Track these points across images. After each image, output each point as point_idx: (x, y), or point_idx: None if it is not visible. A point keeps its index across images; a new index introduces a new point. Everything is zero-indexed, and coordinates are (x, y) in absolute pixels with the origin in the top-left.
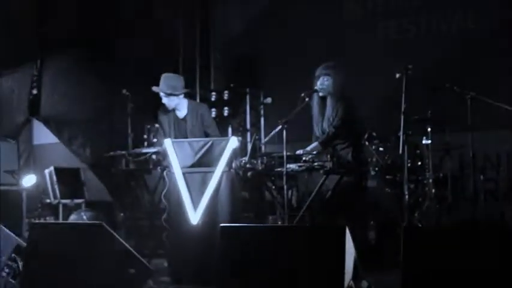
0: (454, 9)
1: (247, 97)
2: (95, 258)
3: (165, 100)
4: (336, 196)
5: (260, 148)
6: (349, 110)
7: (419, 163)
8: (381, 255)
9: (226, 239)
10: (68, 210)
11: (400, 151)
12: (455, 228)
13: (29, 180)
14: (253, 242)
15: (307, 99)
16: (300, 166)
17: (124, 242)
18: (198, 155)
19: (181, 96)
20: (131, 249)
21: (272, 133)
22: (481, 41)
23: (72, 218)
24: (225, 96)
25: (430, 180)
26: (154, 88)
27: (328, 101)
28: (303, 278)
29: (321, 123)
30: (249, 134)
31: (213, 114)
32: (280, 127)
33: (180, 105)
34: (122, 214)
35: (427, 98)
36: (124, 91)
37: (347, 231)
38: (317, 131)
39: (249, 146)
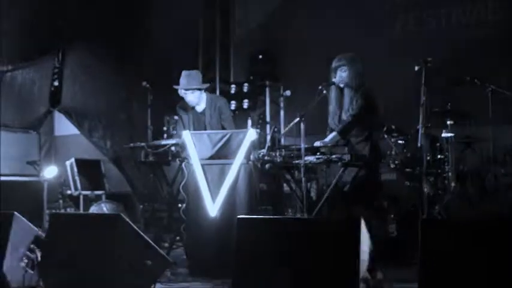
0: (473, 1)
1: (267, 90)
2: (113, 249)
3: (189, 97)
4: (355, 189)
5: (279, 140)
6: (368, 99)
7: (439, 156)
8: (400, 248)
9: (242, 230)
10: (89, 201)
11: (419, 144)
12: (474, 221)
13: (50, 172)
14: (269, 233)
15: (324, 91)
16: (317, 158)
17: (142, 233)
18: (217, 147)
19: (203, 90)
20: (149, 240)
21: (290, 125)
22: (501, 33)
23: (93, 209)
24: (245, 89)
25: (450, 174)
26: (176, 86)
27: (346, 92)
28: (317, 269)
29: (338, 115)
30: (268, 127)
31: (233, 106)
32: (298, 119)
33: (200, 100)
34: (141, 206)
35: (447, 91)
36: (144, 83)
37: (362, 223)
38: (333, 123)
39: (268, 139)
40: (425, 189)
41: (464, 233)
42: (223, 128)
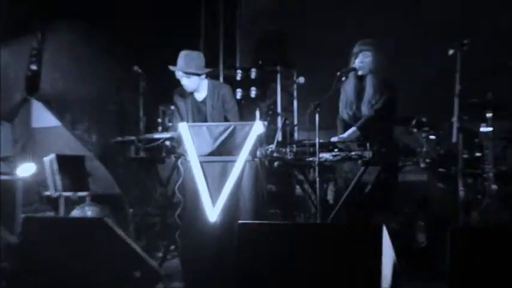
0: None
1: (278, 76)
2: (95, 258)
3: (185, 81)
4: (377, 191)
5: (291, 135)
6: (395, 94)
7: (478, 154)
8: (430, 260)
9: (244, 238)
10: (71, 204)
11: (454, 140)
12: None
13: (26, 169)
14: (276, 241)
15: (344, 78)
16: (334, 156)
17: (130, 241)
18: (218, 142)
19: (203, 76)
20: (138, 249)
21: (302, 117)
22: None
23: (75, 214)
24: (253, 75)
25: (491, 174)
26: (172, 67)
27: (368, 81)
28: (331, 284)
29: (356, 106)
30: (279, 119)
31: (239, 95)
32: (311, 110)
33: (200, 87)
34: (131, 209)
35: (487, 78)
36: (135, 68)
37: (385, 230)
38: (346, 115)
39: (278, 132)
40: (461, 192)
41: (501, 243)
42: (226, 120)
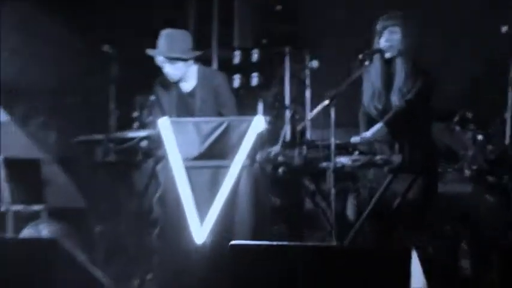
0: None
1: (287, 59)
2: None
3: (168, 69)
4: (409, 205)
5: (301, 133)
6: (431, 83)
7: None
8: None
9: (239, 262)
10: (23, 221)
11: (508, 141)
12: None
13: None
14: (278, 267)
15: (367, 62)
16: (354, 161)
17: (90, 267)
18: (208, 142)
19: (191, 61)
20: (103, 278)
21: (315, 111)
22: None
23: (26, 233)
24: (254, 58)
25: None
26: (151, 51)
27: (398, 65)
28: None
29: (384, 97)
30: (287, 113)
31: (237, 82)
32: (326, 103)
33: (187, 75)
34: (98, 227)
35: None
36: (106, 47)
37: (414, 255)
38: (373, 108)
39: (285, 130)
40: None
41: None
42: (220, 116)
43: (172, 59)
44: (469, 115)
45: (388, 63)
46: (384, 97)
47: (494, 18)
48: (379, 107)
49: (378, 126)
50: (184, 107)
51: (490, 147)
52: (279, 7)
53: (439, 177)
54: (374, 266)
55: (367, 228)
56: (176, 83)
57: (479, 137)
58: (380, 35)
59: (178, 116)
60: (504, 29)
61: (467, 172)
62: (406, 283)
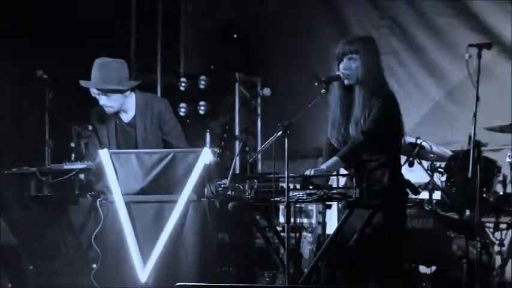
0: None
1: (236, 86)
2: None
3: (104, 101)
4: (367, 243)
5: (252, 166)
6: (389, 110)
7: (503, 192)
8: None
9: None
10: None
11: (470, 172)
12: None
13: None
14: None
15: (323, 90)
16: (309, 194)
17: None
18: (152, 175)
19: (128, 92)
20: None
21: (267, 143)
22: None
23: None
24: (202, 85)
25: None
26: (84, 83)
27: (357, 94)
28: None
29: (343, 127)
30: (237, 144)
31: (183, 111)
32: (280, 133)
33: (126, 105)
34: (31, 267)
35: None
36: (40, 73)
37: None
38: (335, 140)
39: (235, 162)
40: (479, 245)
41: None
42: (166, 147)
43: (107, 91)
44: (429, 145)
45: (349, 91)
46: (343, 128)
47: (456, 44)
48: (340, 138)
49: (333, 159)
50: (125, 138)
51: (451, 179)
52: (227, 36)
53: (403, 212)
54: None
55: (326, 267)
56: (116, 113)
57: (440, 169)
58: (339, 60)
59: (119, 148)
60: (467, 56)
61: (427, 207)
62: None
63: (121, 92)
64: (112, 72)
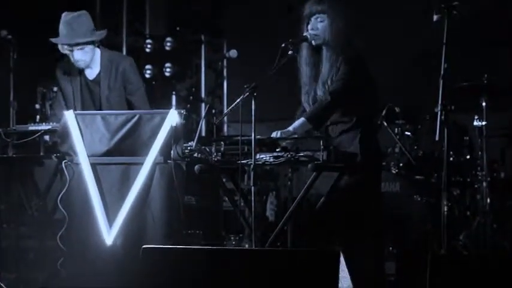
0: None
1: (203, 48)
2: None
3: (77, 56)
4: (333, 206)
5: (218, 128)
6: (357, 69)
7: (468, 156)
8: None
9: (150, 267)
10: None
11: (437, 137)
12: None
13: None
14: (192, 272)
15: (290, 51)
16: (276, 157)
17: None
18: (118, 137)
19: (94, 45)
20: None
21: (235, 104)
22: None
23: None
24: (167, 46)
25: (484, 184)
26: (55, 40)
27: (325, 55)
28: None
29: (313, 90)
30: (203, 106)
31: (148, 73)
32: (246, 95)
33: (92, 60)
34: None
35: (482, 55)
36: (3, 33)
37: (341, 259)
38: (306, 103)
39: (201, 124)
40: (445, 208)
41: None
42: (129, 107)
43: (81, 44)
44: (397, 109)
45: (316, 53)
46: (312, 89)
47: (429, 6)
48: (310, 101)
49: (300, 121)
50: (90, 95)
51: (418, 144)
52: None
53: (375, 176)
54: (299, 270)
55: (290, 230)
56: (81, 70)
57: (408, 133)
58: (307, 21)
59: (84, 105)
60: (435, 17)
61: (394, 170)
62: (334, 286)
63: (93, 43)
64: (81, 25)
